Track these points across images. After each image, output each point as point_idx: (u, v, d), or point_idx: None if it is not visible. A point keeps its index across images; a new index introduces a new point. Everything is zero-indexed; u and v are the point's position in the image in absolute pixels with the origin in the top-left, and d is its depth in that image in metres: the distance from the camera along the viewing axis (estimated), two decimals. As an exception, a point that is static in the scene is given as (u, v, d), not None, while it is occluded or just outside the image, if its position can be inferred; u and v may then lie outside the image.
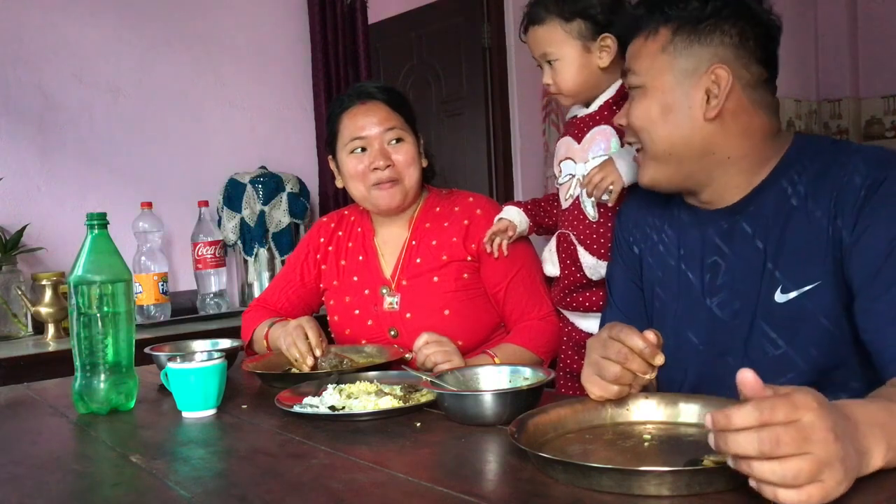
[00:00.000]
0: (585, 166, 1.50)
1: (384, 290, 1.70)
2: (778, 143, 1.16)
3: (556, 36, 1.47)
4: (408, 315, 1.66)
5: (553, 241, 1.58)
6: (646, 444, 0.94)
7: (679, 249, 1.24)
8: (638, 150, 1.21)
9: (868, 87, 5.61)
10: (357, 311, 1.72)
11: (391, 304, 1.68)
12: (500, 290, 1.66)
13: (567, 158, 1.56)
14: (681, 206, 1.25)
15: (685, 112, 1.12)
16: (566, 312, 1.61)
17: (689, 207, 1.24)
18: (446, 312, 1.63)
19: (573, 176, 1.53)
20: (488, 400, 1.07)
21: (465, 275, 1.66)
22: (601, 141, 1.50)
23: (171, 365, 1.26)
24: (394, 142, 1.67)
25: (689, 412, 0.99)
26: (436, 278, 1.65)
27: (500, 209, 1.68)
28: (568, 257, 1.54)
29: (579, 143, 1.53)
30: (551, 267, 1.58)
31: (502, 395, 1.07)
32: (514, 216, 1.63)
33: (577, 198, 1.53)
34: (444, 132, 3.39)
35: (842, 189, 1.05)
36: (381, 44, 3.43)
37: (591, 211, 1.51)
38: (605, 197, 1.41)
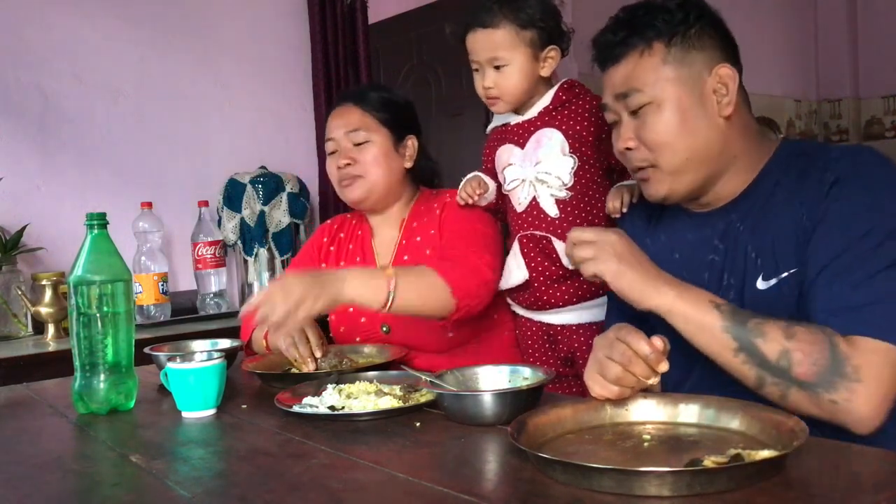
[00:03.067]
0: (535, 168, 1.54)
1: None
2: (766, 144, 1.21)
3: (509, 42, 1.52)
4: None
5: (515, 247, 1.59)
6: (645, 444, 0.94)
7: (674, 254, 1.26)
8: (640, 169, 1.21)
9: (868, 87, 5.62)
10: (351, 309, 1.73)
11: None
12: (444, 241, 1.63)
13: (510, 165, 1.59)
14: (675, 213, 1.28)
15: (703, 116, 1.15)
16: (539, 315, 1.61)
17: (683, 213, 1.27)
18: None
19: (523, 180, 1.56)
20: (488, 400, 1.07)
21: None
22: (547, 141, 1.54)
23: (170, 365, 1.26)
24: (359, 143, 1.68)
25: (688, 412, 1.00)
26: None
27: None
28: (538, 254, 1.55)
29: (522, 147, 1.57)
30: (518, 273, 1.57)
31: (502, 395, 1.07)
32: (483, 176, 1.65)
33: (534, 198, 1.55)
34: (444, 132, 3.38)
35: (817, 184, 1.09)
36: (381, 44, 3.43)
37: (552, 209, 1.53)
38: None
